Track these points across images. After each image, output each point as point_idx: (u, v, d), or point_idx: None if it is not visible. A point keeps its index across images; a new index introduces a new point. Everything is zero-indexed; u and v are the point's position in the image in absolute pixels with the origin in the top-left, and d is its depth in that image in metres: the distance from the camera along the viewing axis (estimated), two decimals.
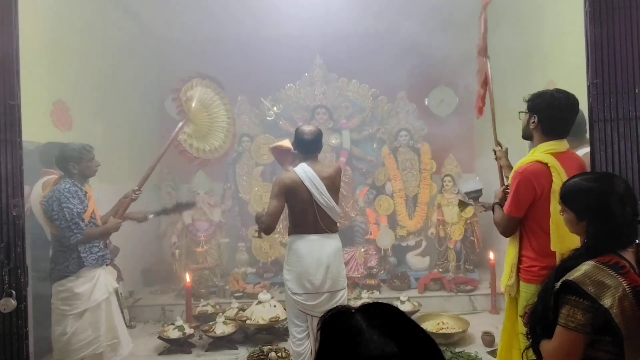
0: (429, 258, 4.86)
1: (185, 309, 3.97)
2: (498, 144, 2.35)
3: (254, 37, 5.10)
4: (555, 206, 1.81)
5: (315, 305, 2.64)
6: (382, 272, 4.74)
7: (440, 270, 4.67)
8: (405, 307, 3.91)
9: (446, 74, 5.16)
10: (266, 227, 2.63)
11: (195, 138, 3.34)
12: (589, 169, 1.91)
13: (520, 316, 1.82)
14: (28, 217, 2.93)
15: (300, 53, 4.94)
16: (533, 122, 1.97)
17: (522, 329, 1.75)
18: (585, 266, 1.33)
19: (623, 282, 1.26)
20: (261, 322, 3.62)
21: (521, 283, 1.99)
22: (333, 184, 2.71)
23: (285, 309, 3.52)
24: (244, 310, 3.84)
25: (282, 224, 4.76)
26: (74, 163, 2.65)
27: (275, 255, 4.84)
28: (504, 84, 4.20)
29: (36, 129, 3.24)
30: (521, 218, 1.97)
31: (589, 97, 1.85)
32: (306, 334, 2.71)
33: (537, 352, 1.45)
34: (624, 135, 1.79)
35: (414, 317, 3.98)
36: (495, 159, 2.34)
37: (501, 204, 2.15)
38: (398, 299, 4.01)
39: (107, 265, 2.86)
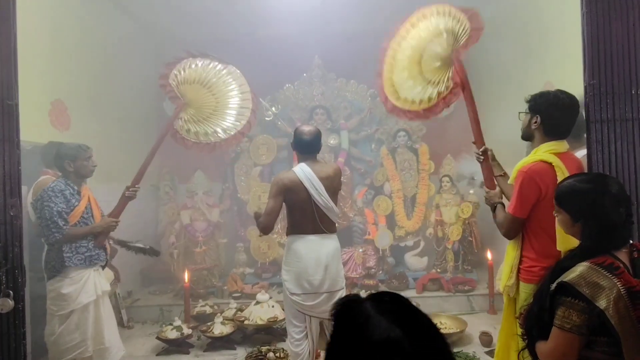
0: (427, 258, 4.86)
1: (184, 310, 3.97)
2: (483, 145, 2.27)
3: (252, 37, 5.10)
4: None
5: (313, 306, 2.64)
6: (381, 272, 4.75)
7: (439, 270, 4.68)
8: None
9: None
10: (264, 226, 2.63)
11: (194, 122, 3.04)
12: (586, 170, 1.91)
13: (517, 317, 1.82)
14: (26, 218, 2.93)
15: (298, 53, 4.94)
16: (535, 122, 1.97)
17: (519, 329, 1.75)
18: (581, 267, 1.33)
19: (618, 283, 1.27)
20: (259, 322, 3.62)
21: (521, 283, 1.98)
22: (332, 185, 2.71)
23: (283, 309, 3.53)
24: (242, 310, 3.84)
25: (281, 224, 4.76)
26: (70, 161, 2.63)
27: (273, 256, 4.84)
28: (501, 85, 4.22)
29: (34, 128, 3.24)
30: (525, 219, 1.94)
31: (585, 98, 1.86)
32: (304, 334, 2.71)
33: (533, 353, 1.45)
34: (621, 136, 1.80)
35: None
36: (483, 160, 2.25)
37: (502, 203, 2.16)
38: None
39: (103, 266, 2.83)
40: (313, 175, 2.64)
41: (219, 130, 3.09)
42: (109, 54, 4.29)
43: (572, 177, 1.53)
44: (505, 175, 2.23)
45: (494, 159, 2.27)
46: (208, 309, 4.07)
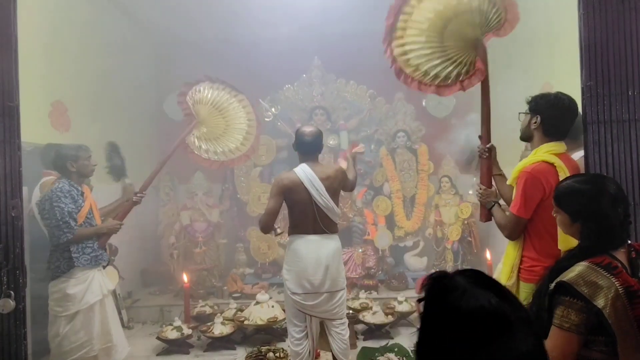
0: (426, 258, 4.87)
1: (184, 310, 3.97)
2: (490, 141, 2.23)
3: (252, 38, 5.11)
4: None
5: (314, 305, 2.66)
6: (380, 272, 4.76)
7: (438, 270, 4.68)
8: (402, 308, 3.92)
9: None
10: (263, 226, 2.66)
11: (205, 140, 3.36)
12: (582, 172, 1.92)
13: None
14: (29, 219, 2.94)
15: (298, 54, 4.95)
16: (535, 122, 1.98)
17: None
18: (579, 267, 1.34)
19: (616, 283, 1.28)
20: (259, 322, 3.62)
21: (521, 283, 1.98)
22: (332, 185, 2.73)
23: (283, 310, 3.54)
24: (242, 310, 3.85)
25: (281, 224, 4.77)
26: (72, 162, 2.66)
27: (273, 256, 4.85)
28: (499, 86, 4.22)
29: (35, 130, 3.25)
30: (528, 219, 1.93)
31: (583, 99, 1.87)
32: (305, 334, 2.72)
33: None
34: (618, 137, 1.81)
35: (410, 318, 4.00)
36: (485, 157, 2.20)
37: (498, 203, 2.16)
38: (395, 299, 4.02)
39: (105, 266, 2.85)
40: (314, 175, 2.65)
41: (227, 150, 3.43)
42: (109, 55, 4.30)
43: (571, 178, 1.54)
44: (502, 176, 2.24)
45: (494, 158, 2.26)
46: (208, 309, 4.08)
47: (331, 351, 2.79)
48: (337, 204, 2.76)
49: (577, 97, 1.92)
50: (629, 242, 1.43)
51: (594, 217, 1.40)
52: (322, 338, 2.87)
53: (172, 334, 3.56)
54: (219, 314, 3.83)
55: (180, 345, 3.61)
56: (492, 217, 2.16)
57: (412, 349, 3.40)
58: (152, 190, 5.19)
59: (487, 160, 2.22)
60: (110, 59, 4.32)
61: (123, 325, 4.03)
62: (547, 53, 3.55)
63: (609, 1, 1.82)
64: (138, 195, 2.97)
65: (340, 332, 2.74)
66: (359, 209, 5.03)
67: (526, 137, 2.09)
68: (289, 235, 2.79)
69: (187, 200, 4.92)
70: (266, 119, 5.15)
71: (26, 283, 1.81)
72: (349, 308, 3.75)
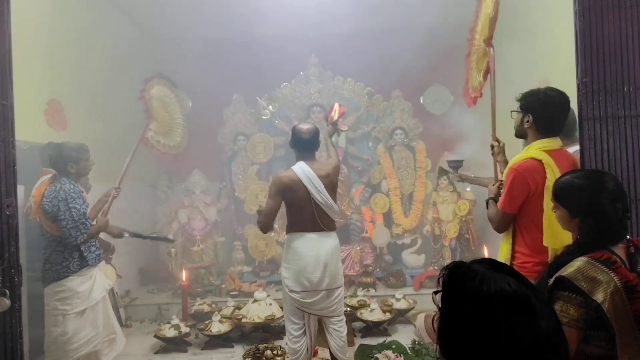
0: (424, 256, 4.88)
1: (182, 308, 3.98)
2: (496, 139, 2.35)
3: (249, 37, 5.10)
4: (548, 202, 1.82)
5: (312, 303, 2.66)
6: (378, 270, 4.76)
7: (436, 267, 4.69)
8: (400, 305, 3.93)
9: (441, 72, 5.17)
10: (263, 225, 2.65)
11: (161, 134, 3.54)
12: (580, 167, 1.93)
13: None
14: (25, 218, 2.93)
15: (295, 52, 4.94)
16: (527, 121, 1.99)
17: None
18: (578, 262, 1.34)
19: (615, 278, 1.28)
20: (257, 320, 3.63)
21: None
22: (331, 182, 2.73)
23: (281, 307, 3.54)
24: (240, 308, 3.85)
25: (279, 222, 4.77)
26: (72, 163, 2.66)
27: (271, 254, 4.85)
28: (497, 82, 4.22)
29: (31, 128, 3.24)
30: (515, 214, 1.98)
31: (578, 95, 1.87)
32: (303, 332, 2.72)
33: None
34: (613, 134, 1.82)
35: (408, 315, 4.01)
36: (492, 154, 2.33)
37: (495, 199, 2.17)
38: (393, 296, 4.03)
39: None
40: (312, 173, 2.65)
41: (175, 144, 3.67)
42: (105, 53, 4.28)
43: (570, 174, 1.54)
44: None
45: (500, 153, 2.32)
46: (206, 307, 4.08)
47: (329, 348, 2.79)
48: (335, 200, 2.75)
49: (573, 92, 1.92)
50: (628, 237, 1.43)
51: (593, 213, 1.40)
52: (320, 335, 2.87)
53: (170, 332, 3.56)
54: (216, 312, 3.83)
55: (178, 343, 3.61)
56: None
57: (410, 346, 3.40)
58: (149, 189, 5.21)
59: (494, 158, 2.33)
60: (107, 57, 4.31)
61: (121, 324, 4.04)
62: (545, 49, 3.54)
63: None
64: (116, 189, 3.04)
65: (338, 330, 2.74)
66: (356, 207, 5.03)
67: (520, 134, 2.11)
68: (287, 233, 2.78)
69: (184, 198, 4.92)
70: (263, 117, 5.15)
71: (21, 282, 1.80)
72: (347, 305, 3.75)
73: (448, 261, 4.61)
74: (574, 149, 2.12)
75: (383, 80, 5.03)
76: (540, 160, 1.90)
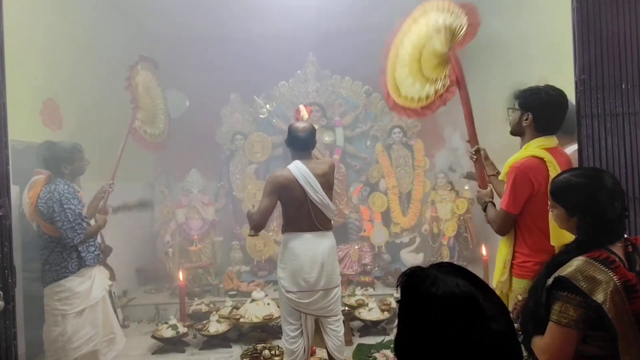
0: (422, 254, 4.87)
1: (179, 308, 3.96)
2: (477, 143, 2.27)
3: (247, 35, 5.08)
4: None
5: (309, 303, 2.64)
6: (376, 269, 4.75)
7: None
8: None
9: None
10: (256, 224, 2.62)
11: (147, 124, 3.42)
12: (575, 165, 1.91)
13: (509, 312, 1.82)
14: (20, 218, 2.91)
15: (293, 50, 4.93)
16: (526, 120, 1.96)
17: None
18: (577, 262, 1.33)
19: (614, 277, 1.26)
20: (255, 320, 3.61)
21: (514, 279, 1.98)
22: (327, 182, 2.71)
23: (279, 307, 3.53)
24: (237, 308, 3.84)
25: (276, 221, 4.76)
26: (66, 163, 2.63)
27: (269, 253, 4.84)
28: (495, 79, 4.22)
29: (26, 128, 3.22)
30: (517, 215, 1.94)
31: (576, 93, 1.86)
32: (300, 332, 2.71)
33: (529, 349, 1.45)
34: (612, 131, 1.81)
35: None
36: (476, 160, 2.24)
37: (492, 202, 2.16)
38: (392, 295, 4.02)
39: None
40: (309, 172, 2.62)
41: (159, 132, 3.55)
42: (101, 52, 4.26)
43: (567, 172, 1.52)
44: (497, 175, 2.23)
45: (487, 158, 2.26)
46: (204, 307, 4.06)
47: (326, 348, 2.78)
48: (331, 199, 2.73)
49: (571, 90, 1.91)
50: (626, 235, 1.42)
51: (591, 211, 1.39)
52: (317, 335, 2.86)
53: (168, 333, 3.55)
54: (214, 312, 3.82)
55: (175, 343, 3.60)
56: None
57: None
58: (147, 188, 5.19)
59: (477, 163, 2.25)
60: (103, 56, 4.28)
61: (119, 324, 4.03)
62: (541, 47, 3.53)
63: None
64: (110, 185, 3.03)
65: (335, 329, 2.73)
66: (355, 206, 5.02)
67: (517, 133, 2.08)
68: (283, 233, 2.76)
69: (182, 198, 4.90)
70: (261, 116, 5.13)
71: (15, 283, 1.79)
72: (345, 305, 3.74)
73: (446, 260, 4.62)
74: (572, 147, 2.10)
75: (381, 79, 5.01)
76: (542, 159, 1.88)
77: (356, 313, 3.77)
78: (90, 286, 2.68)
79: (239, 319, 3.65)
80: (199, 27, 5.05)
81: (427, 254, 4.85)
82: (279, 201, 2.69)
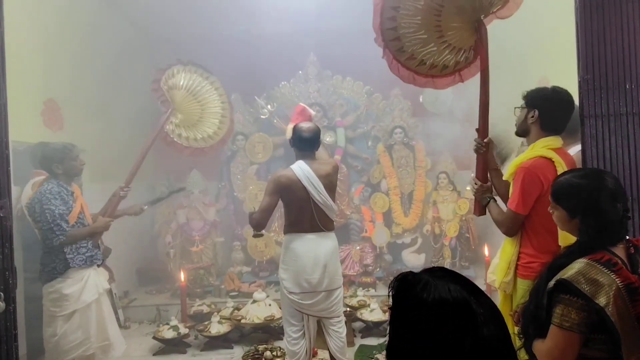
0: (424, 255, 4.85)
1: (181, 309, 3.95)
2: (486, 135, 2.17)
3: (248, 35, 5.07)
4: None
5: (311, 304, 2.63)
6: (378, 269, 4.74)
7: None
8: None
9: None
10: (257, 223, 2.62)
11: (184, 127, 3.28)
12: (579, 167, 1.90)
13: (510, 315, 1.80)
14: (20, 218, 2.91)
15: (294, 51, 4.91)
16: (532, 117, 1.94)
17: (515, 327, 1.74)
18: (578, 264, 1.31)
19: (616, 280, 1.25)
20: (256, 321, 3.61)
21: (519, 280, 1.96)
22: (331, 182, 2.69)
23: (280, 308, 3.52)
24: (239, 309, 3.83)
25: (278, 222, 4.75)
26: (57, 163, 2.61)
27: (270, 254, 4.83)
28: (496, 80, 4.20)
29: (27, 129, 3.21)
30: (526, 215, 1.91)
31: (579, 93, 1.85)
32: (302, 333, 2.70)
33: (530, 352, 1.43)
34: (615, 131, 1.80)
35: None
36: (480, 152, 2.12)
37: (494, 199, 2.14)
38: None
39: (98, 266, 2.83)
40: (312, 173, 2.61)
41: (205, 136, 3.38)
42: (102, 53, 4.26)
43: (568, 173, 1.51)
44: (498, 171, 2.21)
45: (491, 152, 2.21)
46: (205, 308, 4.06)
47: (328, 350, 2.77)
48: (334, 200, 2.72)
49: (574, 90, 1.90)
50: (628, 237, 1.40)
51: (593, 213, 1.37)
52: (320, 337, 2.85)
53: (169, 334, 3.54)
54: (215, 313, 3.81)
55: (177, 344, 3.59)
56: (488, 212, 2.14)
57: None
58: (148, 189, 5.18)
59: (483, 155, 2.16)
60: (104, 56, 4.28)
61: (120, 325, 4.02)
62: (544, 46, 3.52)
63: None
64: (124, 189, 2.95)
65: (337, 330, 2.72)
66: (356, 206, 5.01)
67: (522, 132, 2.06)
68: (285, 233, 2.75)
69: (183, 198, 4.89)
70: (262, 117, 5.12)
71: (16, 284, 1.78)
72: (347, 305, 3.73)
73: (448, 260, 4.61)
74: (576, 148, 2.09)
75: (382, 79, 4.99)
76: (550, 159, 1.87)
77: (358, 314, 3.76)
78: (81, 289, 2.61)
79: (240, 320, 3.65)
80: (199, 27, 5.05)
81: (429, 255, 4.84)
82: (281, 201, 2.68)
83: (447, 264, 4.61)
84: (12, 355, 1.76)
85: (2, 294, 1.71)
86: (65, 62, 3.74)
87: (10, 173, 1.80)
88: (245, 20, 4.85)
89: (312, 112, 3.13)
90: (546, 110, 1.92)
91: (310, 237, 2.64)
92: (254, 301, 3.76)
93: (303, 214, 2.63)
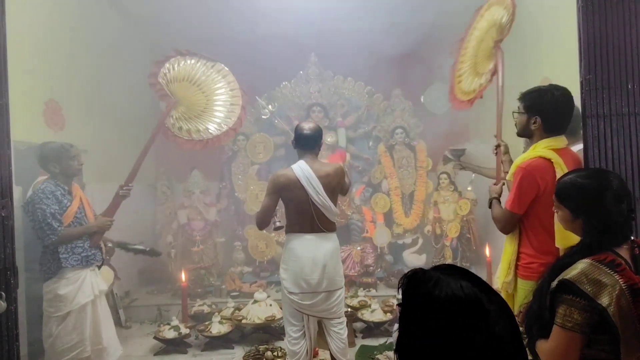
0: (425, 256, 4.85)
1: (181, 309, 3.95)
2: (501, 138, 2.36)
3: (249, 36, 5.07)
4: None
5: (311, 305, 2.63)
6: (379, 270, 4.74)
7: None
8: None
9: (442, 71, 5.14)
10: (259, 223, 2.67)
11: (185, 120, 3.13)
12: (583, 166, 1.90)
13: (515, 315, 1.80)
14: (23, 219, 2.91)
15: (295, 51, 4.91)
16: (534, 124, 1.95)
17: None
18: (582, 264, 1.31)
19: (620, 280, 1.24)
20: (257, 321, 3.60)
21: (519, 280, 1.97)
22: (330, 184, 2.67)
23: (281, 308, 3.52)
24: (240, 309, 3.83)
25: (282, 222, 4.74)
26: (54, 162, 2.61)
27: (271, 254, 4.83)
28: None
29: (28, 129, 3.22)
30: (522, 215, 1.94)
31: (582, 93, 1.84)
32: (302, 333, 2.70)
33: (533, 352, 1.43)
34: (617, 131, 1.79)
35: None
36: (497, 153, 2.33)
37: (498, 199, 2.15)
38: (394, 297, 4.01)
39: (99, 266, 2.82)
40: (311, 173, 2.61)
41: (210, 127, 3.17)
42: (104, 53, 4.26)
43: (573, 173, 1.51)
44: None
45: (506, 153, 2.31)
46: (206, 308, 4.05)
47: (329, 350, 2.76)
48: (335, 203, 2.71)
49: (576, 90, 1.89)
50: (632, 238, 1.40)
51: (597, 213, 1.37)
52: (321, 337, 2.85)
53: (170, 334, 3.54)
54: (216, 313, 3.81)
55: (177, 344, 3.59)
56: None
57: None
58: (149, 189, 5.18)
59: (497, 157, 2.32)
60: (105, 57, 4.29)
61: (121, 325, 4.02)
62: (546, 47, 3.52)
63: None
64: (124, 188, 2.88)
65: (338, 332, 2.71)
66: (357, 207, 5.00)
67: (525, 135, 2.08)
68: (286, 233, 2.75)
69: (184, 199, 4.90)
70: (263, 117, 5.12)
71: (17, 284, 1.78)
72: (348, 306, 3.73)
73: (449, 261, 4.60)
74: (578, 147, 2.09)
75: (383, 79, 5.01)
76: (549, 160, 1.87)
77: (359, 314, 3.75)
78: (77, 290, 2.56)
79: (241, 320, 3.64)
80: (200, 27, 5.04)
81: (430, 255, 4.84)
82: (282, 201, 2.69)
83: None
84: (13, 355, 1.76)
85: (3, 293, 1.71)
86: (67, 63, 3.75)
87: (11, 173, 1.80)
88: (246, 21, 4.85)
89: (348, 156, 3.18)
90: (549, 116, 1.92)
91: (310, 237, 2.64)
92: (255, 301, 3.75)
93: (302, 214, 2.63)
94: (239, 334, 3.79)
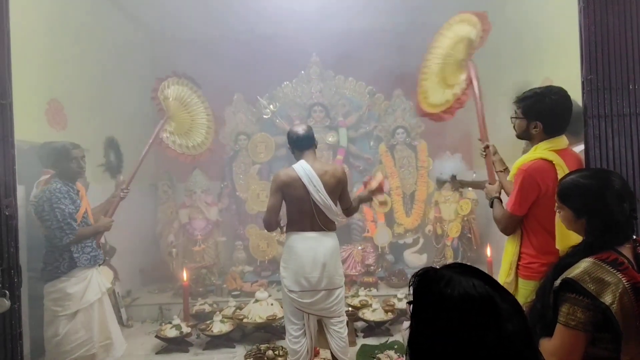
0: (426, 255, 4.86)
1: (183, 308, 3.96)
2: (487, 140, 2.40)
3: (250, 36, 5.08)
4: None
5: (311, 303, 2.64)
6: (380, 269, 4.74)
7: (438, 267, 4.67)
8: (402, 305, 3.91)
9: None
10: (267, 224, 2.68)
11: (178, 135, 3.47)
12: (585, 166, 1.90)
13: None
14: (26, 218, 2.92)
15: (296, 51, 4.92)
16: (535, 129, 1.95)
17: None
18: (584, 263, 1.32)
19: (623, 279, 1.25)
20: (258, 320, 3.61)
21: (520, 280, 1.98)
22: (330, 182, 2.70)
23: (282, 307, 3.53)
24: (241, 308, 3.84)
25: (282, 221, 4.75)
26: (58, 162, 2.63)
27: (272, 254, 4.84)
28: (499, 81, 4.20)
29: (31, 128, 3.23)
30: (523, 216, 1.95)
31: (583, 93, 1.84)
32: (303, 332, 2.71)
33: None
34: (619, 132, 1.79)
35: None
36: (485, 155, 2.35)
37: (499, 198, 2.16)
38: (395, 296, 4.01)
39: (100, 265, 2.83)
40: (312, 172, 2.63)
41: (195, 144, 3.60)
42: (105, 53, 4.27)
43: (575, 173, 1.51)
44: (506, 171, 2.25)
45: (496, 153, 2.33)
46: (207, 308, 4.07)
47: (330, 349, 2.77)
48: (335, 202, 2.73)
49: (578, 90, 1.90)
50: (634, 237, 1.40)
51: (599, 213, 1.37)
52: (321, 336, 2.86)
53: (171, 333, 3.55)
54: (218, 312, 3.82)
55: (179, 343, 3.60)
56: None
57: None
58: (150, 189, 5.19)
59: (487, 159, 2.35)
60: (106, 56, 4.30)
61: (122, 324, 4.03)
62: (547, 47, 3.52)
63: None
64: (124, 191, 2.97)
65: (338, 331, 2.72)
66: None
67: (525, 138, 2.09)
68: (286, 232, 2.77)
69: (185, 198, 4.90)
70: (264, 116, 5.13)
71: (21, 282, 1.79)
72: (349, 305, 3.74)
73: (450, 261, 4.60)
74: (580, 147, 2.09)
75: (384, 79, 5.01)
76: (550, 161, 1.87)
77: (360, 314, 3.76)
78: (85, 288, 2.60)
79: (242, 319, 3.65)
80: (202, 27, 5.05)
81: (431, 255, 4.84)
82: (283, 200, 2.70)
83: None
84: (17, 353, 1.76)
85: (7, 292, 1.71)
86: (69, 62, 3.76)
87: (15, 172, 1.81)
88: (248, 21, 4.86)
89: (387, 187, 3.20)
90: (549, 120, 1.92)
91: (310, 235, 2.66)
92: (256, 300, 3.76)
93: (303, 212, 2.65)
94: (240, 333, 3.80)
